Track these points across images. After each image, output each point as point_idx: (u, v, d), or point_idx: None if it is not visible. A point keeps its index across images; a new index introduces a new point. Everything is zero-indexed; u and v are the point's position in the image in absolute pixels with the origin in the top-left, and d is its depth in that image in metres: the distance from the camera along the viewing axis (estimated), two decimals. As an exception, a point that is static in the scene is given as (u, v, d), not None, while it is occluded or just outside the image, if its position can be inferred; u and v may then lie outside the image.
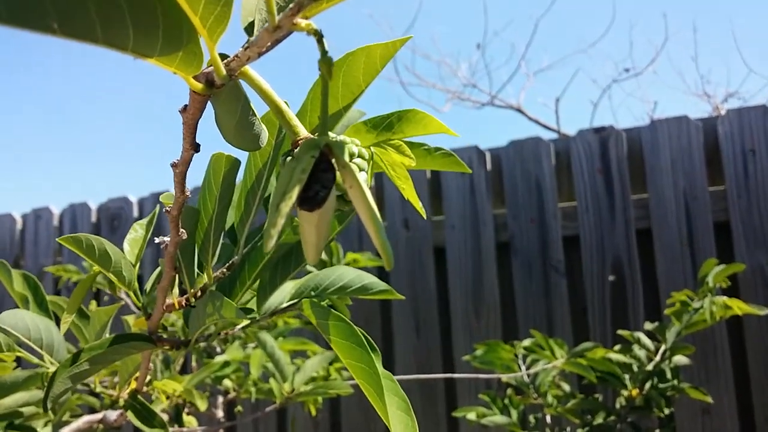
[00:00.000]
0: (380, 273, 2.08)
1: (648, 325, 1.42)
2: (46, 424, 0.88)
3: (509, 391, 1.57)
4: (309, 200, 0.24)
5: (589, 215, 1.92)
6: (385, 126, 0.47)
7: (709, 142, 1.87)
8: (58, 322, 0.71)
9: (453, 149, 2.02)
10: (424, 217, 0.51)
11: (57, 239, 0.45)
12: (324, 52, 0.24)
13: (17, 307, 0.70)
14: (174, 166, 0.35)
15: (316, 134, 0.26)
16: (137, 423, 0.65)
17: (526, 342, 1.54)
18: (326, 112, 0.25)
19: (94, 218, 2.53)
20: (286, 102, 0.38)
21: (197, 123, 0.32)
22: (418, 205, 0.52)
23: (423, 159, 0.55)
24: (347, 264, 1.49)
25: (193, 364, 1.42)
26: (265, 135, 0.37)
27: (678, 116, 1.88)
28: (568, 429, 1.61)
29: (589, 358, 1.45)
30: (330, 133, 0.29)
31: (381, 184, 2.14)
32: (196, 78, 0.28)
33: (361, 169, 0.29)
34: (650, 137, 1.89)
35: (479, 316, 1.96)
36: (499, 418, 1.52)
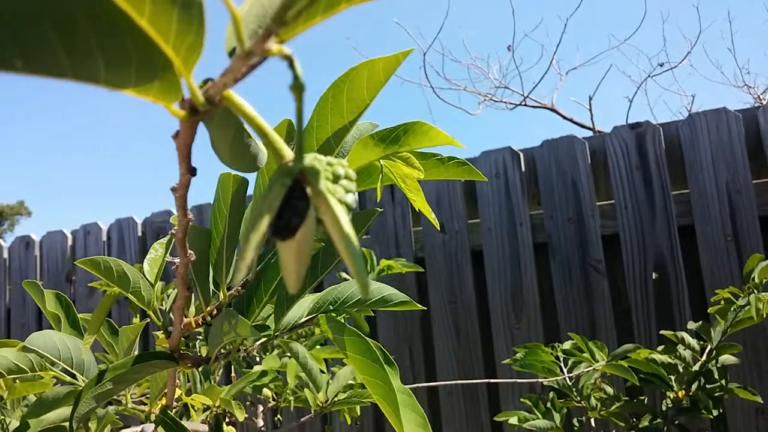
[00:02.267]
0: (418, 278, 2.08)
1: (691, 325, 1.38)
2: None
3: (551, 394, 1.55)
4: (281, 229, 0.24)
5: (628, 213, 1.88)
6: (392, 139, 0.46)
7: (750, 134, 1.81)
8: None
9: (486, 151, 2.01)
10: (437, 227, 0.50)
11: (75, 262, 0.47)
12: (295, 77, 0.24)
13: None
14: (173, 190, 0.35)
15: (299, 158, 0.26)
16: (168, 438, 0.66)
17: (567, 345, 1.52)
18: (302, 136, 0.25)
19: (140, 232, 2.59)
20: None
21: (190, 148, 0.32)
22: (431, 216, 0.51)
23: (436, 169, 0.55)
24: (381, 271, 1.50)
25: (233, 374, 1.44)
26: (263, 155, 0.37)
27: (716, 108, 1.82)
28: (613, 432, 1.58)
29: (632, 359, 1.42)
30: (317, 155, 0.29)
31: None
32: (181, 105, 0.28)
33: (348, 191, 0.29)
34: (688, 131, 1.84)
35: (519, 318, 1.94)
36: (541, 423, 1.49)
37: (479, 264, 2.03)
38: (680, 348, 1.43)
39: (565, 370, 1.51)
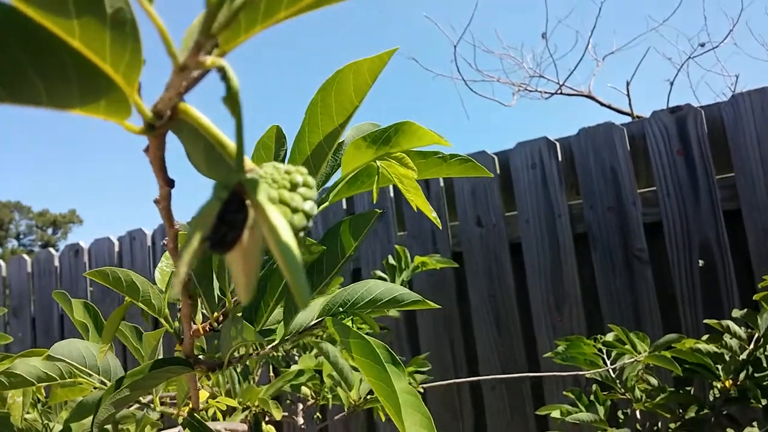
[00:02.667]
0: (457, 273, 2.07)
1: (736, 312, 1.34)
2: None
3: (594, 387, 1.52)
4: (217, 244, 0.25)
5: (670, 199, 1.82)
6: (383, 140, 0.46)
7: (798, 111, 1.74)
8: (124, 348, 0.75)
9: (521, 142, 1.98)
10: (439, 227, 0.50)
11: (84, 274, 0.48)
12: (228, 89, 0.24)
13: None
14: (156, 202, 0.36)
15: (239, 170, 0.26)
16: (192, 440, 0.67)
17: (609, 337, 1.49)
18: (242, 147, 0.25)
19: (183, 237, 2.65)
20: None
21: (162, 160, 0.33)
22: (432, 215, 0.51)
23: (438, 167, 0.55)
24: (416, 268, 1.49)
25: (271, 374, 1.46)
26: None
27: (761, 87, 1.75)
28: (660, 424, 1.54)
29: (676, 350, 1.39)
30: (276, 164, 0.29)
31: (451, 182, 2.12)
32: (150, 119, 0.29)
33: (306, 199, 0.29)
34: (732, 112, 1.78)
35: (561, 310, 1.91)
36: (584, 416, 1.47)
37: (518, 257, 2.01)
38: (726, 337, 1.39)
39: (608, 362, 1.48)
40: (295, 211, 0.28)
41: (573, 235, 1.94)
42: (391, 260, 1.50)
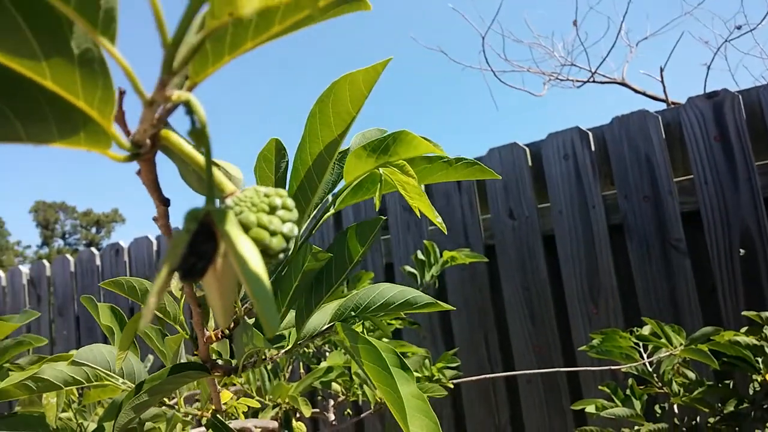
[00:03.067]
0: (490, 266, 2.06)
1: (774, 304, 1.30)
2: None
3: (630, 381, 1.50)
4: (187, 273, 0.25)
5: (708, 187, 1.78)
6: (382, 149, 0.47)
7: (842, 93, 1.67)
8: (151, 351, 0.77)
9: (553, 133, 1.96)
10: (445, 232, 0.50)
11: (100, 284, 0.50)
12: (192, 123, 0.25)
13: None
14: (155, 220, 0.37)
15: (209, 201, 0.27)
16: (216, 441, 0.69)
17: (645, 330, 1.47)
18: (212, 178, 0.26)
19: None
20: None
21: (155, 182, 0.34)
22: (437, 220, 0.51)
23: (444, 172, 0.55)
24: (445, 263, 1.49)
25: (302, 371, 1.48)
26: (237, 179, 0.38)
27: (802, 69, 1.69)
28: (698, 419, 1.51)
29: (715, 342, 1.36)
30: (258, 187, 0.30)
31: (483, 176, 2.11)
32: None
33: (285, 221, 0.29)
34: (771, 96, 1.72)
35: (597, 303, 1.89)
36: (620, 410, 1.45)
37: (552, 249, 1.99)
38: (766, 329, 1.35)
39: (644, 355, 1.46)
40: (273, 234, 0.29)
41: (608, 225, 1.91)
42: (420, 255, 1.50)
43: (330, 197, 0.57)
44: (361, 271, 1.60)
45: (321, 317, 0.61)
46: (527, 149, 2.05)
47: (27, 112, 0.24)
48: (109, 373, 0.65)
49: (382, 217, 0.52)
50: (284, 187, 0.48)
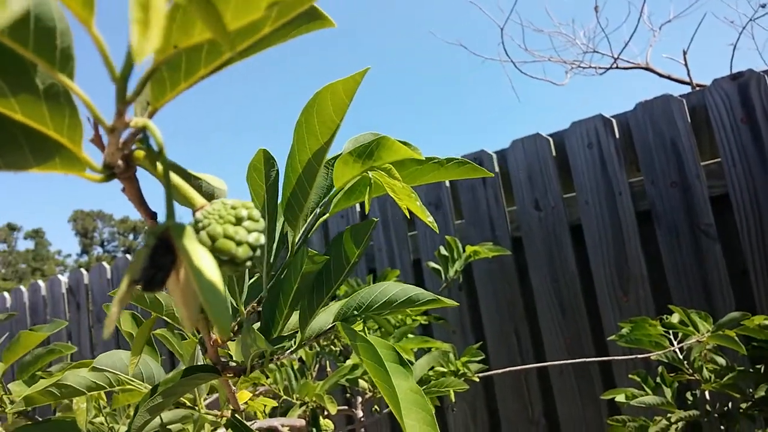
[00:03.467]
0: (517, 258, 2.06)
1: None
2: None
3: (660, 368, 1.49)
4: (148, 284, 0.27)
5: (737, 170, 1.75)
6: (367, 154, 0.48)
7: None
8: (172, 355, 0.80)
9: (576, 122, 1.95)
10: (437, 231, 0.51)
11: (109, 293, 0.52)
12: (148, 147, 0.27)
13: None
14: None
15: (169, 216, 0.29)
16: (235, 439, 0.72)
17: (674, 318, 1.46)
18: (171, 197, 0.28)
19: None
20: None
21: (140, 198, 0.36)
22: (428, 220, 0.53)
23: (436, 172, 0.56)
24: (468, 257, 1.50)
25: (328, 369, 1.50)
26: (220, 190, 0.40)
27: (829, 44, 1.65)
28: (730, 405, 1.49)
29: (745, 327, 1.34)
30: (225, 200, 0.32)
31: (506, 166, 2.10)
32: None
33: (251, 231, 0.31)
34: (798, 73, 1.68)
35: (627, 291, 1.87)
36: (650, 399, 1.45)
37: (579, 239, 1.98)
38: (798, 312, 1.33)
39: (675, 343, 1.44)
40: (239, 243, 0.31)
41: (635, 213, 1.89)
42: (443, 251, 1.52)
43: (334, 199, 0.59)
44: (387, 269, 1.62)
45: (325, 317, 0.63)
46: (551, 139, 2.04)
47: (3, 144, 0.26)
48: (129, 377, 0.68)
49: (374, 219, 0.53)
50: (276, 194, 0.50)
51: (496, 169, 2.12)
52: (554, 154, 2.03)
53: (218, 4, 0.22)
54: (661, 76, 3.69)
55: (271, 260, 0.54)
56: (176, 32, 0.24)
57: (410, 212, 0.56)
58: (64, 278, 3.22)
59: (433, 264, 1.55)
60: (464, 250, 1.51)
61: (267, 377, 1.20)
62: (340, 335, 0.56)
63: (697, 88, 2.21)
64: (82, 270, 3.19)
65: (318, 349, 1.32)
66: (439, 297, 0.63)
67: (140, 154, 0.31)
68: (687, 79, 3.40)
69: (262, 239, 0.32)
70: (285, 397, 1.23)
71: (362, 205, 2.39)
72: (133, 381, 0.67)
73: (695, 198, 1.79)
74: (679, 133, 1.83)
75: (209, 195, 0.39)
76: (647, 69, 3.74)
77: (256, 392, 1.23)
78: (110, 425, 0.89)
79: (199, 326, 0.54)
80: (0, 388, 0.84)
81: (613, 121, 1.94)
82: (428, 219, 0.52)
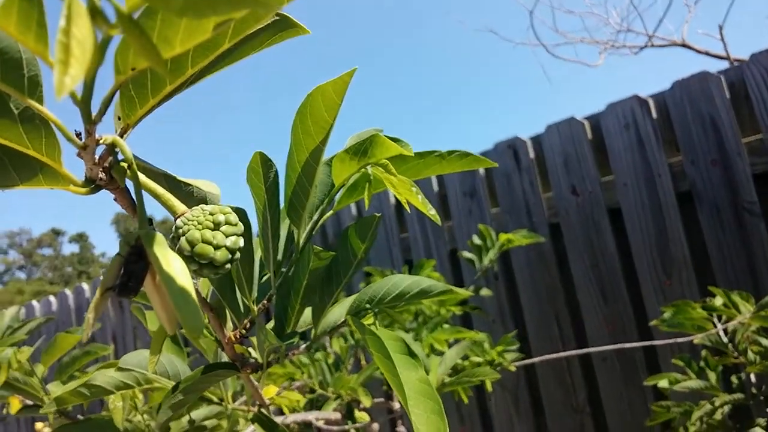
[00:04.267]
0: (556, 245, 2.03)
1: None
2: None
3: (704, 352, 1.45)
4: (122, 291, 0.29)
5: (780, 145, 1.69)
6: (362, 152, 0.49)
7: None
8: (200, 354, 0.83)
9: (612, 104, 1.91)
10: (439, 224, 0.52)
11: (131, 309, 0.54)
12: (116, 163, 0.28)
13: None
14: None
15: (141, 226, 0.30)
16: (261, 433, 0.74)
17: (717, 301, 1.42)
18: (142, 207, 0.29)
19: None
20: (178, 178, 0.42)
21: (132, 207, 0.37)
22: (429, 213, 0.53)
23: (437, 165, 0.57)
24: (502, 245, 1.49)
25: (363, 362, 1.52)
26: (213, 195, 0.42)
27: None
28: (779, 388, 1.44)
29: (791, 307, 1.30)
30: (204, 206, 0.33)
31: (541, 152, 2.08)
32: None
33: (228, 235, 0.32)
34: (842, 41, 1.61)
35: (669, 274, 1.83)
36: (694, 383, 1.42)
37: (618, 223, 1.94)
38: None
39: (719, 326, 1.41)
40: (217, 247, 0.32)
41: (676, 194, 1.84)
42: (476, 240, 1.51)
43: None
44: (423, 259, 1.63)
45: (339, 311, 0.63)
46: (586, 122, 2.01)
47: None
48: (156, 376, 0.70)
49: (377, 214, 0.54)
50: (277, 194, 0.51)
51: (532, 155, 2.09)
52: (590, 137, 2.00)
53: (163, 30, 0.23)
54: (697, 52, 3.56)
55: (279, 258, 0.55)
56: (132, 56, 0.25)
57: (440, 205, 0.56)
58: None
59: (467, 254, 1.55)
60: (498, 239, 1.50)
61: (302, 372, 1.22)
62: (352, 328, 0.57)
63: (735, 64, 2.14)
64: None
65: (353, 342, 1.33)
66: (453, 288, 0.63)
67: (123, 167, 0.32)
68: (724, 55, 3.28)
69: (241, 242, 0.33)
70: (320, 390, 1.25)
71: (375, 201, 2.39)
72: (160, 379, 0.70)
73: (737, 176, 1.74)
74: (717, 110, 1.77)
75: (201, 200, 0.41)
76: (683, 46, 3.61)
77: (292, 386, 1.25)
78: (147, 423, 0.92)
79: (212, 326, 0.55)
80: (40, 389, 0.88)
81: (650, 101, 1.89)
82: (430, 212, 0.52)
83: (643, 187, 1.88)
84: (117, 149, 0.29)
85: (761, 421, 1.40)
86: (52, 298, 3.62)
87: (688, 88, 1.82)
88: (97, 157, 0.29)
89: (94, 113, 0.27)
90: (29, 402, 0.99)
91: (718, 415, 1.42)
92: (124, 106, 0.29)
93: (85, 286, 3.40)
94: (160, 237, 0.29)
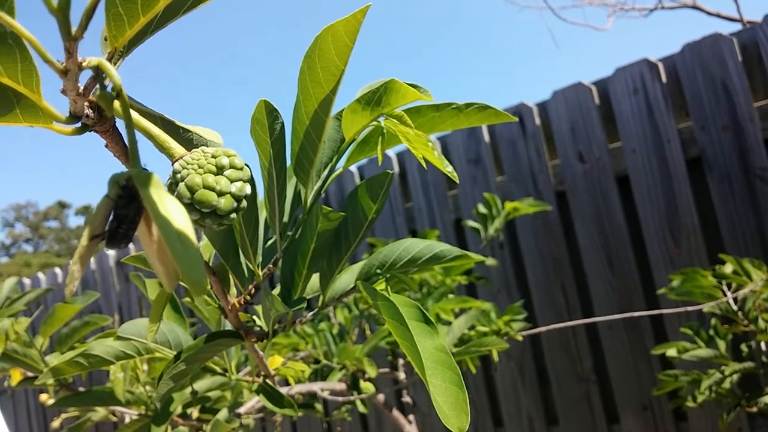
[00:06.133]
0: (562, 213, 2.00)
1: None
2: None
3: (713, 320, 1.43)
4: (111, 239, 0.25)
5: (794, 109, 1.64)
6: (375, 101, 0.45)
7: None
8: (203, 324, 0.80)
9: (620, 68, 1.87)
10: (457, 181, 0.48)
11: (122, 260, 0.51)
12: (102, 87, 0.24)
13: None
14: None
15: (134, 164, 0.26)
16: (268, 404, 0.71)
17: (727, 268, 1.39)
18: (134, 144, 0.26)
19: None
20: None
21: (125, 154, 0.34)
22: (446, 170, 0.50)
23: (455, 118, 0.53)
24: (508, 213, 1.46)
25: (368, 332, 1.49)
26: (214, 143, 0.38)
27: None
28: (790, 356, 1.42)
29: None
30: (205, 149, 0.30)
31: (547, 118, 2.03)
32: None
33: (234, 180, 0.29)
34: None
35: (678, 242, 1.80)
36: (703, 352, 1.39)
37: (626, 190, 1.90)
38: None
39: (729, 294, 1.38)
40: (221, 194, 0.29)
41: (685, 160, 1.81)
42: (482, 209, 1.48)
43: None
44: (427, 229, 1.59)
45: (348, 277, 0.60)
46: (593, 87, 1.96)
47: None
48: (158, 345, 0.68)
49: (389, 171, 0.50)
50: (284, 149, 0.47)
51: (538, 121, 2.05)
52: (598, 102, 1.95)
53: None
54: (709, 14, 3.48)
55: (285, 220, 0.52)
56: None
57: (444, 173, 0.53)
58: (112, 252, 3.30)
59: (471, 222, 1.51)
60: (504, 207, 1.47)
61: (306, 343, 1.19)
62: (362, 295, 0.54)
63: (748, 26, 2.08)
64: (131, 244, 3.26)
65: (357, 312, 1.31)
66: (467, 253, 0.60)
67: (115, 105, 0.29)
68: (737, 17, 3.20)
69: (248, 189, 0.30)
70: (325, 361, 1.23)
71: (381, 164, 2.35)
72: (161, 348, 0.67)
73: (748, 141, 1.70)
74: (729, 73, 1.73)
75: (191, 140, 0.37)
76: (694, 7, 3.53)
77: (296, 357, 1.23)
78: (149, 394, 0.90)
79: (215, 290, 0.52)
80: (40, 360, 0.86)
81: (659, 64, 1.84)
82: (447, 169, 0.49)
83: (651, 153, 1.84)
84: (105, 76, 0.26)
85: (771, 389, 1.38)
86: (57, 270, 3.60)
87: (699, 50, 1.77)
88: (81, 86, 0.26)
89: (74, 28, 0.23)
90: (30, 374, 0.97)
91: (726, 384, 1.40)
92: (110, 24, 0.25)
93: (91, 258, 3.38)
94: (155, 177, 0.25)
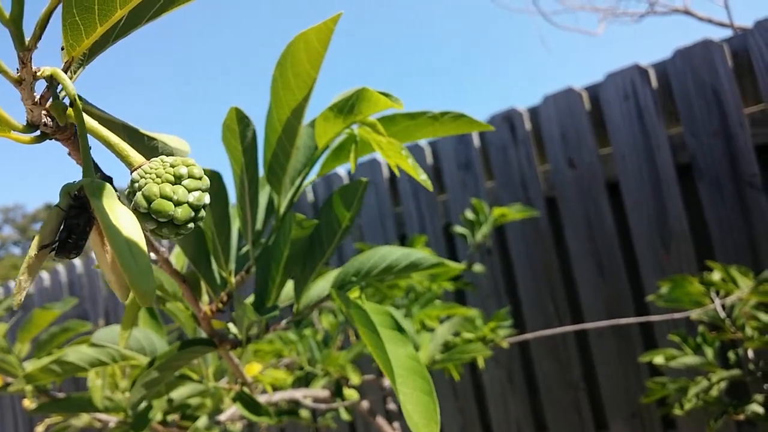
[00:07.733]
0: (552, 218, 2.00)
1: None
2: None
3: (701, 327, 1.43)
4: (60, 249, 0.25)
5: (783, 116, 1.65)
6: (348, 108, 0.45)
7: None
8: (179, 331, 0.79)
9: (611, 73, 1.87)
10: (430, 189, 0.48)
11: (93, 266, 0.50)
12: (55, 97, 0.24)
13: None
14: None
15: (86, 174, 0.26)
16: (245, 412, 0.70)
17: (715, 275, 1.39)
18: (87, 153, 0.25)
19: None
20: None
21: (84, 160, 0.33)
22: (420, 178, 0.49)
23: (430, 126, 0.52)
24: (495, 219, 1.46)
25: (352, 338, 1.48)
26: (181, 152, 0.37)
27: None
28: (778, 363, 1.42)
29: (790, 282, 1.27)
30: (164, 158, 0.29)
31: (538, 123, 2.03)
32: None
33: (192, 190, 0.28)
34: None
35: (668, 249, 1.80)
36: (690, 359, 1.39)
37: (616, 196, 1.90)
38: None
39: (717, 301, 1.38)
40: (178, 204, 0.28)
41: (675, 166, 1.81)
42: (469, 214, 1.47)
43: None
44: (415, 235, 1.59)
45: (323, 284, 0.60)
46: (584, 93, 1.96)
47: None
48: (132, 352, 0.67)
49: (363, 179, 0.50)
50: (256, 157, 0.47)
51: (528, 127, 2.05)
52: (588, 108, 1.95)
53: None
54: (700, 20, 3.49)
55: (257, 227, 0.51)
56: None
57: (434, 179, 0.52)
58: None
59: (459, 228, 1.51)
60: (491, 213, 1.46)
61: (290, 349, 1.18)
62: (336, 303, 0.53)
63: (739, 32, 2.08)
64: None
65: (342, 318, 1.30)
66: (445, 261, 0.60)
67: (69, 111, 0.28)
68: (728, 22, 3.21)
69: (206, 199, 0.29)
70: (309, 368, 1.22)
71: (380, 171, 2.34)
72: (135, 355, 0.66)
73: (738, 148, 1.70)
74: (720, 79, 1.73)
75: (156, 148, 0.36)
76: (686, 13, 3.54)
77: (280, 363, 1.22)
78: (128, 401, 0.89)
79: (186, 298, 0.51)
80: (18, 366, 0.85)
81: (650, 70, 1.84)
82: (421, 177, 0.48)
83: (642, 159, 1.84)
84: (59, 86, 0.25)
85: (758, 397, 1.38)
86: (44, 274, 3.58)
87: (690, 56, 1.77)
88: (37, 96, 0.25)
89: (27, 38, 0.22)
90: (10, 380, 0.96)
91: (714, 392, 1.39)
92: (67, 34, 0.24)
93: (77, 261, 3.36)
94: (108, 188, 0.25)
